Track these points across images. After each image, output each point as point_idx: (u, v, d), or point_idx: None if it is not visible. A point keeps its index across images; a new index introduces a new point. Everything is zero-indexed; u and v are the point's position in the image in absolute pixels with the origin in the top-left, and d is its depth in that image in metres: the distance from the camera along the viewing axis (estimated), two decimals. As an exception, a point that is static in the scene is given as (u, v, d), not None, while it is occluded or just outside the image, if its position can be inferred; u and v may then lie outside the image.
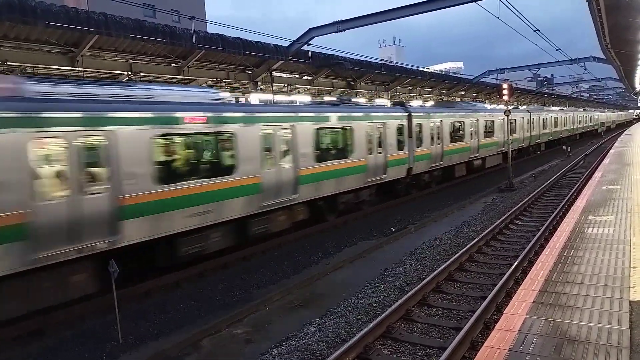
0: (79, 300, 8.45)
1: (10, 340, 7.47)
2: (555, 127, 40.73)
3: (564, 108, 52.12)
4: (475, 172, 24.30)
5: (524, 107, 40.50)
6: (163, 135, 9.51)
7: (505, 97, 20.94)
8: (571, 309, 4.83)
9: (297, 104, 19.32)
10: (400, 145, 17.27)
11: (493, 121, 26.02)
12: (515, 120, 29.19)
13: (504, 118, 25.13)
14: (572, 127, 48.04)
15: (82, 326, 8.01)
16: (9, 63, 11.92)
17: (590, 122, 59.60)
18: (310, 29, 15.97)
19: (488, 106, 30.59)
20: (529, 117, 32.88)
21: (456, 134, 21.88)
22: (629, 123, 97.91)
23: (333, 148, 14.78)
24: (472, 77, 33.50)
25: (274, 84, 18.71)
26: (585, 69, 33.21)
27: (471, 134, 23.09)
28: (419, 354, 6.30)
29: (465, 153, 22.59)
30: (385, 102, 26.01)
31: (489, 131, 25.47)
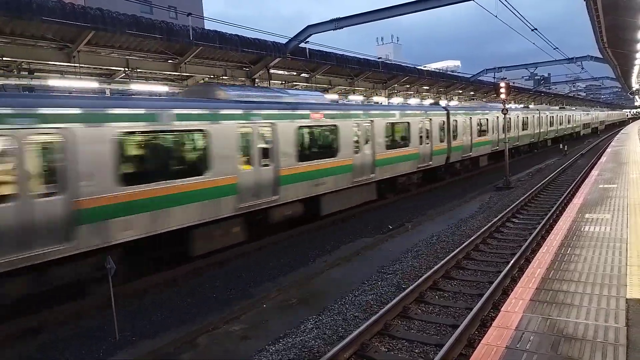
0: (75, 297, 8.43)
1: (7, 338, 7.43)
2: (506, 132, 27.67)
3: (530, 106, 42.37)
4: (290, 228, 13.30)
5: (450, 102, 30.09)
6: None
7: (503, 96, 20.97)
8: (568, 306, 4.84)
9: None
10: None
11: (359, 125, 15.42)
12: (408, 123, 18.45)
13: (388, 122, 16.86)
14: (534, 132, 36.62)
15: (79, 323, 7.98)
16: (4, 58, 11.84)
17: (568, 124, 48.54)
18: (308, 27, 15.90)
19: (331, 98, 17.99)
20: (444, 119, 21.42)
21: (178, 160, 10.18)
22: (621, 124, 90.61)
23: None
24: (470, 76, 33.55)
25: (271, 81, 18.68)
26: (582, 68, 33.26)
27: (271, 155, 11.96)
28: (416, 351, 6.31)
29: (231, 198, 10.79)
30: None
31: (327, 147, 14.33)
